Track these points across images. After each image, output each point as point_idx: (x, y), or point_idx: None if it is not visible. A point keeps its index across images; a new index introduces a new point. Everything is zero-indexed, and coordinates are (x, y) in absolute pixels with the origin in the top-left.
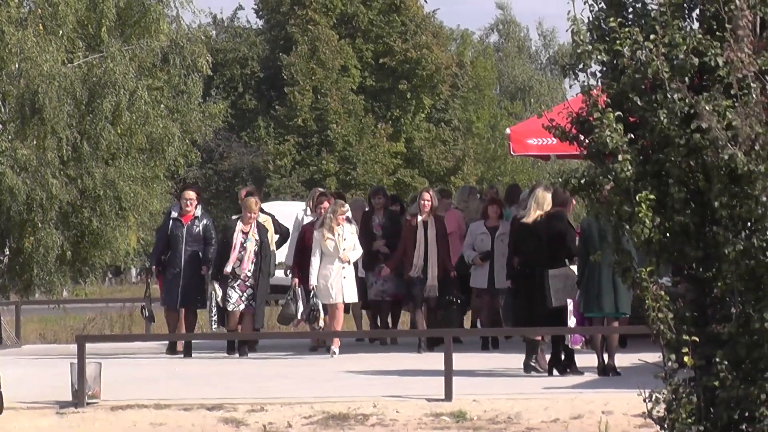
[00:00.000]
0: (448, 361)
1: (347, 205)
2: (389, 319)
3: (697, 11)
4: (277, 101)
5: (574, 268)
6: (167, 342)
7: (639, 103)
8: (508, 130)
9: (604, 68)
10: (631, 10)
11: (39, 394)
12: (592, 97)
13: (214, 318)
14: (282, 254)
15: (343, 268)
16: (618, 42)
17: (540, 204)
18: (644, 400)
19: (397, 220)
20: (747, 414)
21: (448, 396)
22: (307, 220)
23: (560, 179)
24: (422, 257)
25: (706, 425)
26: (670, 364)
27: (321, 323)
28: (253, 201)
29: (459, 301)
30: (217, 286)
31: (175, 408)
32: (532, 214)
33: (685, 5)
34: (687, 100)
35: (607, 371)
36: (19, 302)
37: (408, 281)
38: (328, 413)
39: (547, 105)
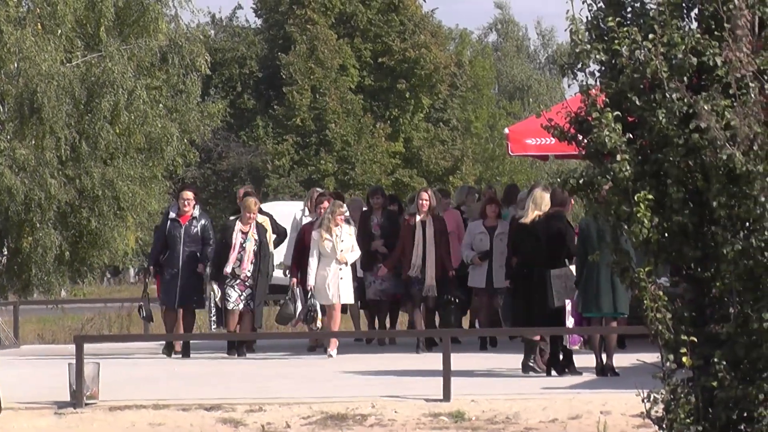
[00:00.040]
0: (447, 362)
1: (345, 206)
2: (387, 320)
3: (696, 11)
4: (276, 101)
5: (573, 268)
6: (164, 342)
7: (637, 102)
8: (506, 130)
9: (603, 68)
10: (629, 9)
11: (37, 395)
12: (591, 97)
13: (213, 318)
14: (280, 254)
15: (340, 269)
16: (616, 41)
17: (538, 204)
18: (642, 401)
19: (395, 220)
20: (745, 414)
21: (447, 396)
22: (306, 220)
23: (559, 179)
24: (421, 257)
25: (705, 425)
26: (668, 364)
27: (318, 324)
28: (252, 201)
29: (457, 300)
30: (215, 286)
31: (174, 408)
32: (530, 215)
33: (683, 5)
34: (686, 100)
35: (605, 371)
36: (18, 302)
37: (406, 281)
38: (326, 413)
39: (546, 105)
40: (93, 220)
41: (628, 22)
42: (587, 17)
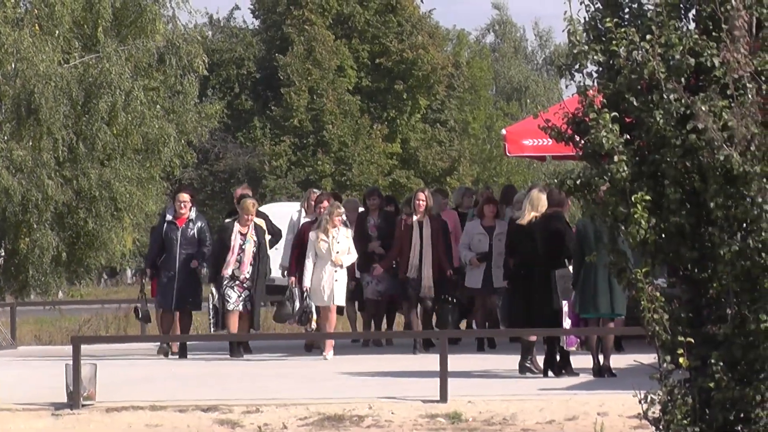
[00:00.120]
0: (443, 363)
1: (343, 208)
2: (384, 320)
3: (694, 11)
4: (273, 102)
5: (571, 268)
6: (152, 344)
7: (635, 103)
8: (503, 131)
9: (600, 68)
10: (627, 10)
11: (34, 396)
12: (588, 98)
13: (212, 321)
14: (274, 254)
15: (336, 271)
16: (614, 42)
17: (534, 205)
18: (639, 402)
19: (392, 221)
20: (742, 415)
21: (444, 397)
22: (303, 221)
23: (556, 180)
24: (418, 257)
25: (702, 426)
26: (665, 365)
27: (313, 324)
28: (251, 203)
29: (455, 300)
30: (213, 288)
31: (171, 409)
32: (527, 216)
33: (681, 5)
34: (683, 101)
35: (602, 372)
36: (15, 303)
37: (403, 281)
38: (323, 414)
39: (543, 105)
40: (90, 221)
41: (626, 23)
42: (585, 18)
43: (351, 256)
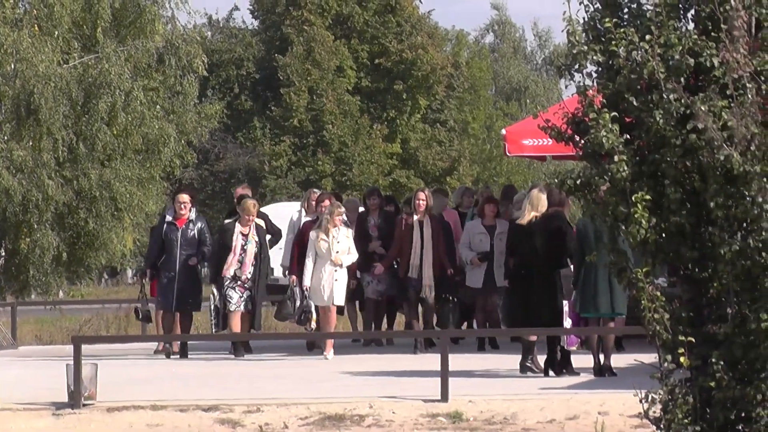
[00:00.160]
0: (444, 362)
1: (344, 208)
2: (385, 320)
3: (693, 12)
4: (273, 102)
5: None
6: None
7: (635, 103)
8: (503, 131)
9: (600, 69)
10: (626, 10)
11: (35, 396)
12: (588, 98)
13: (214, 321)
14: (274, 254)
15: (336, 270)
16: (613, 42)
17: (534, 205)
18: (640, 401)
19: (392, 221)
20: (743, 414)
21: (444, 397)
22: (304, 220)
23: (556, 180)
24: (419, 257)
25: (703, 426)
26: (666, 364)
27: (313, 324)
28: (251, 203)
29: (456, 299)
30: (214, 289)
31: (172, 409)
32: (527, 216)
33: (680, 6)
34: (683, 101)
35: (603, 372)
36: (15, 303)
37: (404, 281)
38: (324, 414)
39: (543, 105)
40: (90, 221)
41: (625, 23)
42: (584, 18)
43: (351, 256)
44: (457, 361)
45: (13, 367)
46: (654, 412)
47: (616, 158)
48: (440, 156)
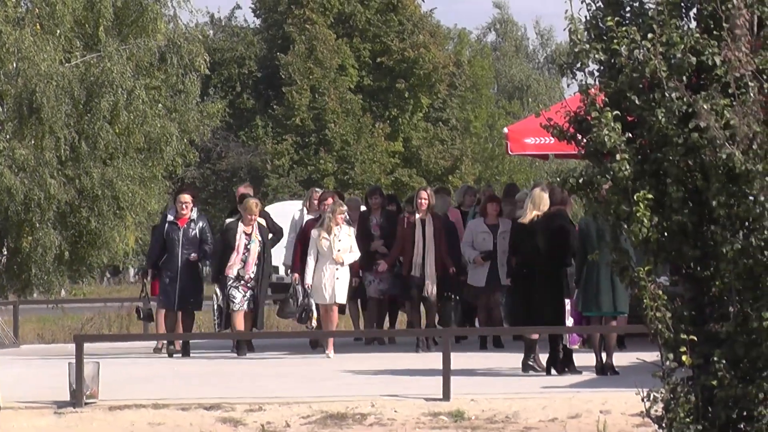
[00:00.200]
0: (446, 361)
1: (346, 206)
2: (387, 319)
3: (695, 10)
4: (275, 101)
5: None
6: (155, 343)
7: (637, 102)
8: (505, 130)
9: (602, 67)
10: (628, 9)
11: (37, 394)
12: (590, 96)
13: (217, 321)
14: (276, 252)
15: (337, 269)
16: (615, 41)
17: (536, 204)
18: (642, 400)
19: (394, 220)
20: (745, 413)
21: (446, 395)
22: (307, 218)
23: (558, 178)
24: (421, 255)
25: (704, 424)
26: (668, 363)
27: (314, 323)
28: (254, 203)
29: (457, 297)
30: (218, 289)
31: (173, 408)
32: (529, 215)
33: (682, 4)
34: (685, 99)
35: (605, 370)
36: (17, 302)
37: (406, 280)
38: (326, 413)
39: (545, 104)
40: (92, 220)
41: (627, 22)
42: (586, 17)
43: (353, 254)
44: (459, 359)
45: (15, 365)
46: (656, 410)
47: (618, 157)
48: (442, 155)
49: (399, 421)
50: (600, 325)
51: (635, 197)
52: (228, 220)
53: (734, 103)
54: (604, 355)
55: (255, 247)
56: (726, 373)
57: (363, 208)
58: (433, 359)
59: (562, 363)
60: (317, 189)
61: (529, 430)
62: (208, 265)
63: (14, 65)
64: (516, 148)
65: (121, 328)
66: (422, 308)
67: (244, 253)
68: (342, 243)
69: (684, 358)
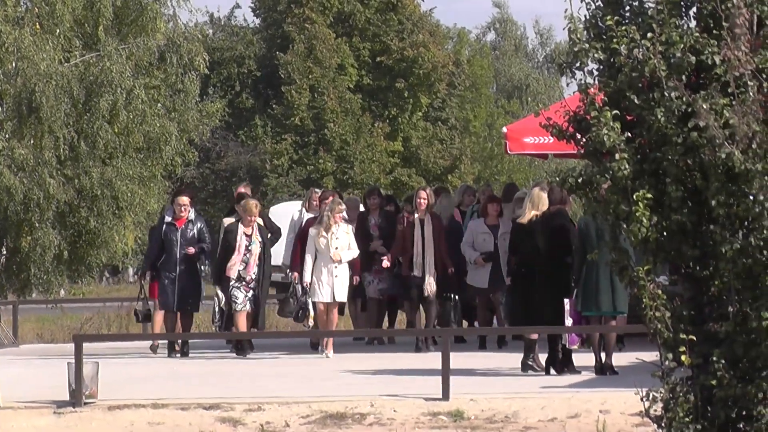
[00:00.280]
0: (446, 361)
1: (345, 205)
2: (386, 318)
3: (694, 9)
4: (274, 100)
5: None
6: (151, 343)
7: (636, 101)
8: (504, 129)
9: (601, 66)
10: (628, 8)
11: (36, 394)
12: (589, 96)
13: (217, 323)
14: (275, 252)
15: (336, 267)
16: (615, 40)
17: (535, 204)
18: (642, 399)
19: (393, 220)
20: (744, 413)
21: (446, 395)
22: (306, 217)
23: (557, 178)
24: (420, 255)
25: (704, 424)
26: (667, 362)
27: (311, 322)
28: (253, 203)
29: (457, 297)
30: (219, 290)
31: (173, 407)
32: (528, 214)
33: (682, 3)
34: (684, 99)
35: (604, 370)
36: (17, 302)
37: (405, 279)
38: (325, 412)
39: (544, 103)
40: (92, 220)
41: (627, 21)
42: (586, 16)
43: (352, 252)
44: (459, 359)
45: (14, 365)
46: (655, 410)
47: (617, 156)
48: (441, 154)
49: (398, 420)
50: (599, 324)
51: (634, 197)
52: (225, 220)
53: (734, 102)
54: (603, 355)
55: (256, 248)
56: (725, 373)
57: (362, 208)
58: (432, 359)
59: (561, 363)
60: (317, 189)
61: (528, 430)
62: (207, 265)
63: (13, 65)
64: (515, 147)
65: (120, 328)
66: (422, 308)
67: (245, 255)
68: (340, 241)
69: (683, 357)
